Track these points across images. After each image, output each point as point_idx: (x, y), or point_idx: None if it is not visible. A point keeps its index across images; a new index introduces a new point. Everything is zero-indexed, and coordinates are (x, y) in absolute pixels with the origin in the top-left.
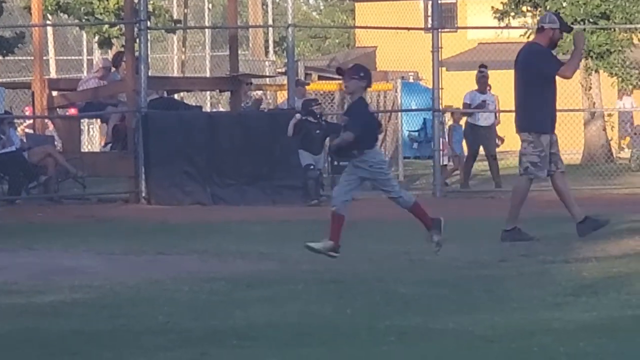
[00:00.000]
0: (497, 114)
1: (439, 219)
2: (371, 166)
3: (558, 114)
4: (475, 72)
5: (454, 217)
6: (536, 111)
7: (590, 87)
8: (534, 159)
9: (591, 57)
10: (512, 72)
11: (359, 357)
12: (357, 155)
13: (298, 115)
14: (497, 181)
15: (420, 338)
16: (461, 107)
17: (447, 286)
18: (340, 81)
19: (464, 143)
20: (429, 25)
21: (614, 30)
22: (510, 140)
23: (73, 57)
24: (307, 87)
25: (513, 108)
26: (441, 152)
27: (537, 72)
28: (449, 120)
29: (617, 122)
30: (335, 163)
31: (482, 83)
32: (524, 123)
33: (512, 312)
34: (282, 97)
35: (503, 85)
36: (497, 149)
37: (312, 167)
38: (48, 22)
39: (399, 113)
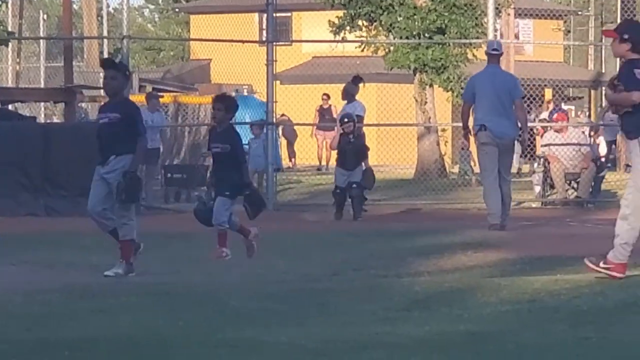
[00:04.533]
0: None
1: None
2: None
3: (392, 128)
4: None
5: (286, 230)
6: None
7: (426, 102)
8: None
9: (426, 71)
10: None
11: None
12: None
13: (339, 128)
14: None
15: (252, 351)
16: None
17: (279, 299)
18: (174, 93)
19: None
20: (264, 38)
21: (449, 45)
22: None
23: None
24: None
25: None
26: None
27: None
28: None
29: (451, 137)
30: (169, 175)
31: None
32: None
33: (344, 326)
34: None
35: (338, 97)
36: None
37: (354, 185)
38: None
39: None
